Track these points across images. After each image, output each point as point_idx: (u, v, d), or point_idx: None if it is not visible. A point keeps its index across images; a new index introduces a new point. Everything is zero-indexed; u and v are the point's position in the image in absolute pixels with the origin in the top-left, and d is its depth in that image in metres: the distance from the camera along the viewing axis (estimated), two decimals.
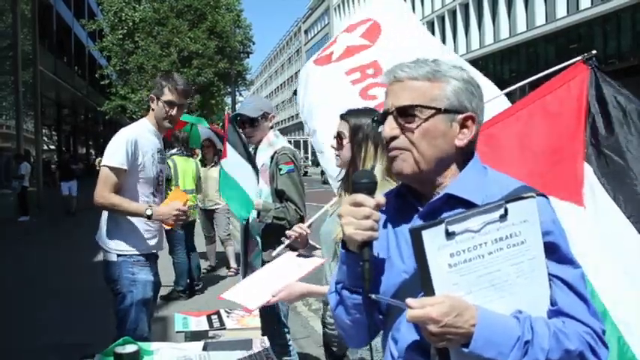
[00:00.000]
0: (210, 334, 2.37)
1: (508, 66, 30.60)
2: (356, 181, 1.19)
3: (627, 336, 1.94)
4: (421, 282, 1.07)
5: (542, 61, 27.91)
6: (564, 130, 2.32)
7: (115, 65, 25.57)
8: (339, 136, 2.19)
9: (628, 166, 2.14)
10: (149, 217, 2.90)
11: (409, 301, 1.04)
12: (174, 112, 3.02)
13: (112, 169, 2.89)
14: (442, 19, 37.94)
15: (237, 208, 3.36)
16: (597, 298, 1.97)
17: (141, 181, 2.99)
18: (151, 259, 3.08)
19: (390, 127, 1.21)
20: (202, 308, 3.22)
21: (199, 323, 2.47)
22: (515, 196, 1.10)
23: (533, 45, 28.37)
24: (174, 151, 6.43)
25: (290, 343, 3.17)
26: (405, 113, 1.19)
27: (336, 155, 2.22)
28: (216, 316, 2.56)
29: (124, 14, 24.68)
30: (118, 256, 2.96)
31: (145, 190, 3.03)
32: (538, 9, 28.34)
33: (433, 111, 1.18)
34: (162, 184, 3.20)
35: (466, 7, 35.07)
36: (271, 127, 3.29)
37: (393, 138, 1.21)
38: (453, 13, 36.71)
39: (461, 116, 1.20)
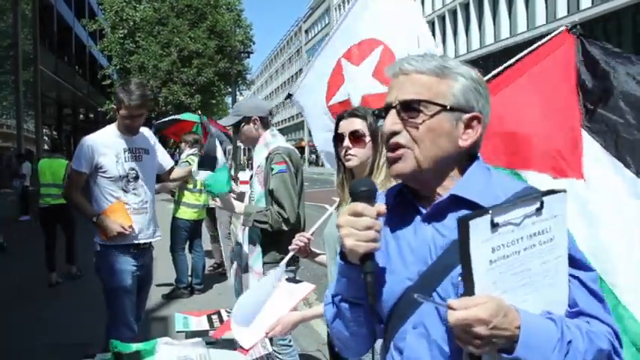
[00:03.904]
0: (211, 333, 2.37)
1: None
2: (355, 190, 1.12)
3: (623, 296, 1.95)
4: (463, 279, 0.99)
5: None
6: (556, 101, 2.26)
7: (116, 65, 25.59)
8: (354, 134, 2.07)
9: (627, 121, 2.10)
10: (94, 223, 3.26)
11: (452, 302, 0.96)
12: (130, 122, 3.34)
13: (74, 171, 3.34)
14: (442, 18, 37.89)
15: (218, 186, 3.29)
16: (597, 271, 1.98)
17: (105, 180, 3.31)
18: (134, 249, 3.36)
19: (391, 122, 1.15)
20: (203, 308, 3.22)
21: (200, 323, 2.47)
22: (549, 190, 1.04)
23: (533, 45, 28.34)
24: (192, 151, 6.48)
25: (291, 343, 3.16)
26: (409, 108, 1.14)
27: (351, 156, 2.08)
28: (216, 316, 2.55)
29: (124, 14, 24.69)
30: (100, 246, 3.30)
31: (112, 187, 3.33)
32: (539, 9, 28.30)
33: (439, 108, 1.13)
34: (138, 181, 3.42)
35: (466, 6, 35.02)
36: (266, 128, 3.22)
37: (395, 133, 1.15)
38: (453, 13, 36.66)
39: (467, 116, 1.15)
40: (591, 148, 2.14)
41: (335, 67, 3.25)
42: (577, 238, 1.99)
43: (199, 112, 4.00)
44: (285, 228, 2.99)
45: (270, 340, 2.52)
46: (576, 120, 2.19)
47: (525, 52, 2.48)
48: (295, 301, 2.26)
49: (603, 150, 2.12)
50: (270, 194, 3.05)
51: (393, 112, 1.16)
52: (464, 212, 1.09)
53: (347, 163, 2.11)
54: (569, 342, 0.99)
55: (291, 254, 2.58)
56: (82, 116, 31.62)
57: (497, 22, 31.77)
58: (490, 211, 0.97)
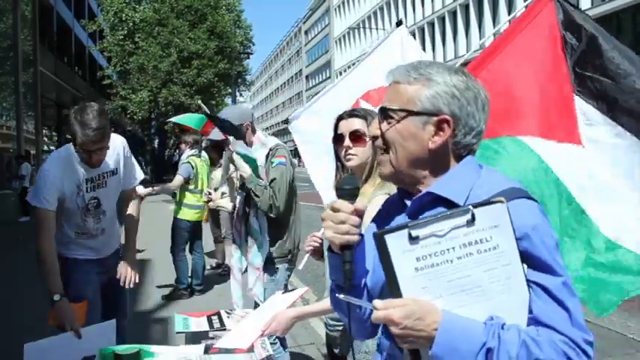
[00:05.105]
0: (211, 334, 2.37)
1: None
2: (338, 187, 1.25)
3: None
4: (388, 285, 1.10)
5: None
6: (545, 67, 2.25)
7: (116, 66, 25.59)
8: (354, 134, 2.09)
9: (616, 80, 2.11)
10: (52, 300, 2.76)
11: (376, 302, 1.09)
12: (87, 157, 2.83)
13: (41, 210, 2.81)
14: (442, 19, 37.94)
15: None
16: (603, 235, 2.04)
17: (64, 209, 2.92)
18: (93, 261, 3.12)
19: (374, 127, 1.30)
20: (203, 309, 3.21)
21: (200, 324, 2.47)
22: (483, 201, 1.09)
23: None
24: (192, 152, 6.49)
25: (284, 340, 3.20)
26: (384, 114, 1.26)
27: (352, 155, 2.11)
28: (216, 317, 2.55)
29: (124, 15, 24.70)
30: (59, 258, 2.93)
31: (69, 216, 2.97)
32: None
33: (405, 113, 1.23)
34: (99, 207, 3.08)
35: (466, 7, 35.07)
36: (254, 131, 3.28)
37: (375, 137, 1.29)
38: (453, 14, 36.70)
39: (434, 119, 1.21)
40: (585, 112, 2.15)
41: (354, 105, 3.51)
42: (585, 202, 2.05)
43: (203, 109, 3.83)
44: (271, 214, 3.10)
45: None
46: (567, 85, 2.19)
47: (503, 23, 2.49)
48: (291, 300, 2.27)
49: (597, 112, 2.13)
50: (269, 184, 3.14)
51: (376, 119, 1.31)
52: (440, 210, 1.18)
53: (347, 163, 2.12)
54: (490, 349, 1.04)
55: (307, 257, 2.61)
56: None
57: (497, 23, 31.80)
58: (408, 226, 1.08)
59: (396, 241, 1.08)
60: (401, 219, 1.28)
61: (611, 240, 2.04)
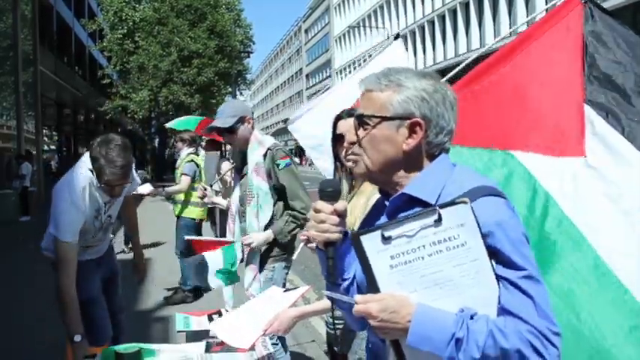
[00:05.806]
0: (212, 333, 2.37)
1: None
2: (320, 189, 1.34)
3: (629, 285, 1.91)
4: (366, 281, 1.19)
5: None
6: (560, 73, 2.20)
7: (116, 65, 25.58)
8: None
9: (630, 100, 2.05)
10: (71, 340, 2.69)
11: (356, 297, 1.19)
12: (109, 190, 2.84)
13: (65, 244, 2.76)
14: (442, 18, 37.89)
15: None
16: (600, 259, 1.94)
17: (80, 233, 2.88)
18: (93, 261, 3.16)
19: (351, 133, 1.38)
20: (203, 308, 3.21)
21: (200, 323, 2.46)
22: (448, 202, 1.16)
23: None
24: (191, 150, 6.48)
25: (277, 341, 3.20)
26: (360, 121, 1.33)
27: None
28: (217, 316, 2.55)
29: (124, 14, 24.68)
30: None
31: (80, 239, 2.92)
32: (539, 7, 28.33)
33: (379, 119, 1.30)
34: (112, 223, 3.17)
35: (467, 5, 35.02)
36: (253, 128, 3.29)
37: (353, 143, 1.36)
38: (453, 12, 36.65)
39: (407, 122, 1.28)
40: (593, 124, 2.07)
41: (356, 103, 3.82)
42: (575, 216, 1.98)
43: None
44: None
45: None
46: (579, 93, 2.12)
47: (529, 18, 2.42)
48: (292, 300, 2.26)
49: (607, 125, 2.05)
50: (278, 189, 3.14)
51: (353, 125, 1.37)
52: (416, 208, 1.25)
53: (348, 163, 2.11)
54: (459, 339, 1.11)
55: (301, 245, 2.60)
56: (82, 117, 31.62)
57: (497, 21, 31.78)
58: (381, 228, 1.17)
59: (370, 242, 1.16)
60: (383, 219, 1.36)
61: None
